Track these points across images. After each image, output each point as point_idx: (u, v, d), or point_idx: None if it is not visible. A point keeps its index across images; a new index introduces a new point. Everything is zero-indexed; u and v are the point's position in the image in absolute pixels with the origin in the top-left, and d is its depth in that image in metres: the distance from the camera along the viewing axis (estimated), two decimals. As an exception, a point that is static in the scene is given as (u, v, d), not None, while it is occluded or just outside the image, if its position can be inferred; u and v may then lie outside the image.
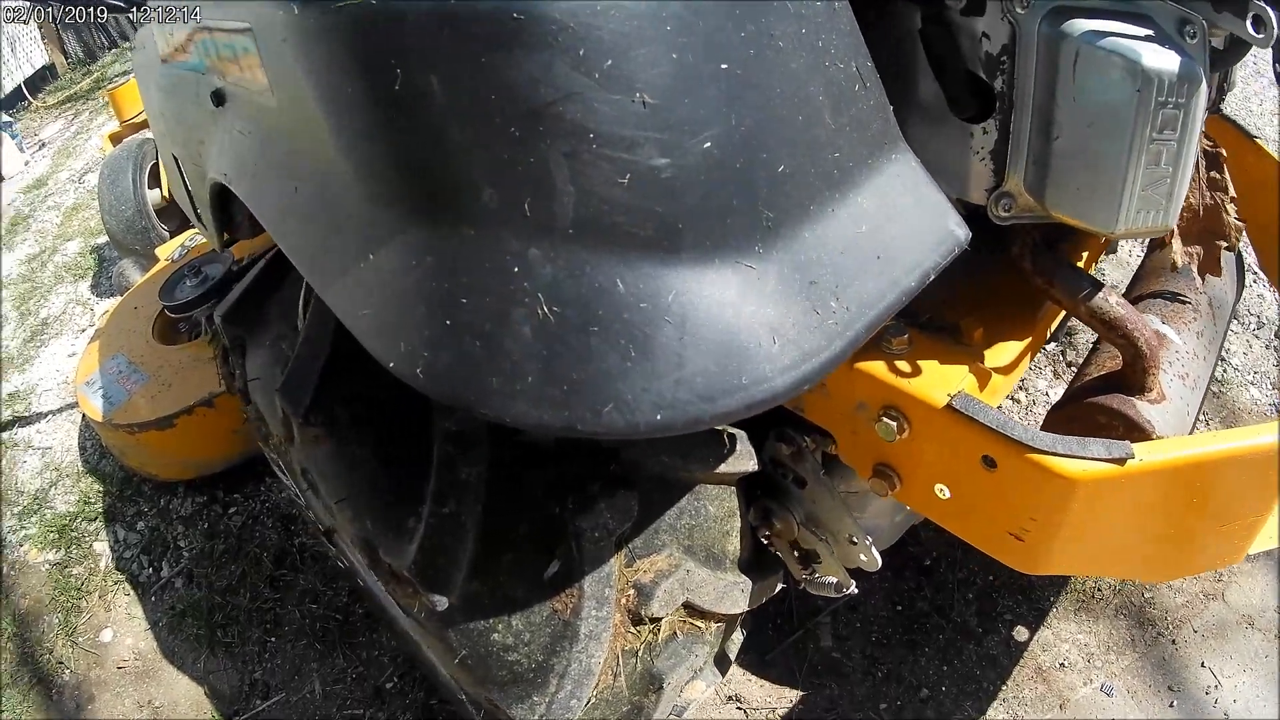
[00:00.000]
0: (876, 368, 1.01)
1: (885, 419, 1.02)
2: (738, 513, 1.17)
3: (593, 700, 1.07)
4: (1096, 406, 1.05)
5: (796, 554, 1.31)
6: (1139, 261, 1.45)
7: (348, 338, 1.05)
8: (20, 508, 2.69)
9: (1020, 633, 1.75)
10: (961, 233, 0.79)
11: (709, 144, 0.65)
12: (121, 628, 2.22)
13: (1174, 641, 1.68)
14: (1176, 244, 1.21)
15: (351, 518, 1.03)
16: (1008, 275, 1.05)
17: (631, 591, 1.07)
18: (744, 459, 1.10)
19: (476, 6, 0.61)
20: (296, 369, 1.07)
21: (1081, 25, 0.78)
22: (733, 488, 1.16)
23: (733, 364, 0.68)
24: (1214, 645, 1.66)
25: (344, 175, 0.76)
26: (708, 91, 0.64)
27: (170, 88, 1.36)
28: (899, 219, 0.76)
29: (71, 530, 2.51)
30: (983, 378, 1.06)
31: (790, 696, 1.71)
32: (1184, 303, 1.21)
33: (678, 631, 1.16)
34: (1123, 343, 1.01)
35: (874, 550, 1.23)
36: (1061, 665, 1.69)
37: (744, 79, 0.65)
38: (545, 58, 0.61)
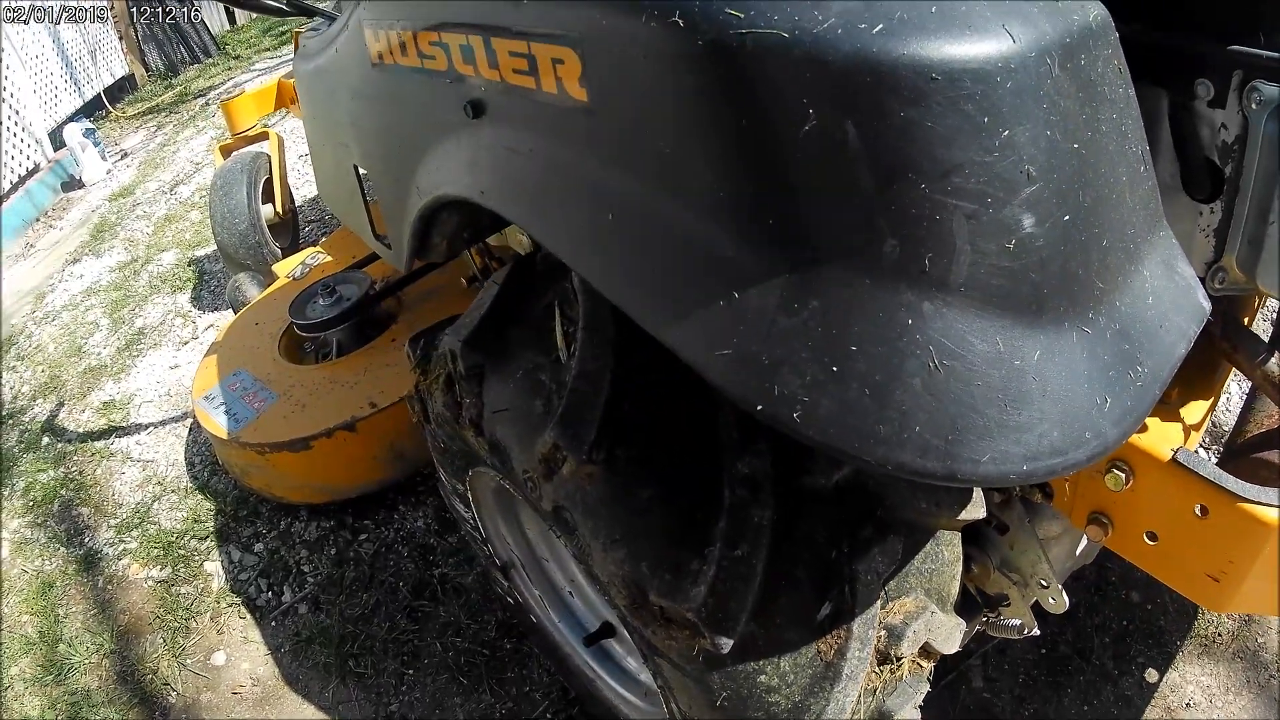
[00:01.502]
0: (1108, 423, 1.11)
1: (1115, 470, 1.09)
2: (961, 558, 1.21)
3: (833, 739, 1.09)
4: (1260, 461, 1.17)
5: (980, 597, 1.36)
6: None
7: (629, 373, 1.07)
8: (119, 520, 2.62)
9: (1151, 675, 1.83)
10: (1207, 305, 0.86)
11: (1068, 217, 0.70)
12: (236, 651, 2.16)
13: (1284, 683, 1.77)
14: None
15: (624, 558, 1.04)
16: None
17: (883, 632, 1.09)
18: (978, 506, 1.13)
19: (899, 60, 0.64)
20: (574, 403, 1.05)
21: None
22: (959, 533, 1.19)
23: (1079, 420, 0.72)
24: (1320, 688, 1.74)
25: (704, 209, 0.76)
26: (1066, 168, 0.70)
27: (379, 95, 1.29)
28: (1169, 290, 0.83)
29: (178, 548, 2.45)
30: (1185, 433, 1.14)
31: (944, 736, 1.74)
32: None
33: (907, 671, 1.18)
34: None
35: (1064, 594, 1.28)
36: (1188, 705, 1.78)
37: (1085, 159, 0.71)
38: (957, 121, 0.65)
